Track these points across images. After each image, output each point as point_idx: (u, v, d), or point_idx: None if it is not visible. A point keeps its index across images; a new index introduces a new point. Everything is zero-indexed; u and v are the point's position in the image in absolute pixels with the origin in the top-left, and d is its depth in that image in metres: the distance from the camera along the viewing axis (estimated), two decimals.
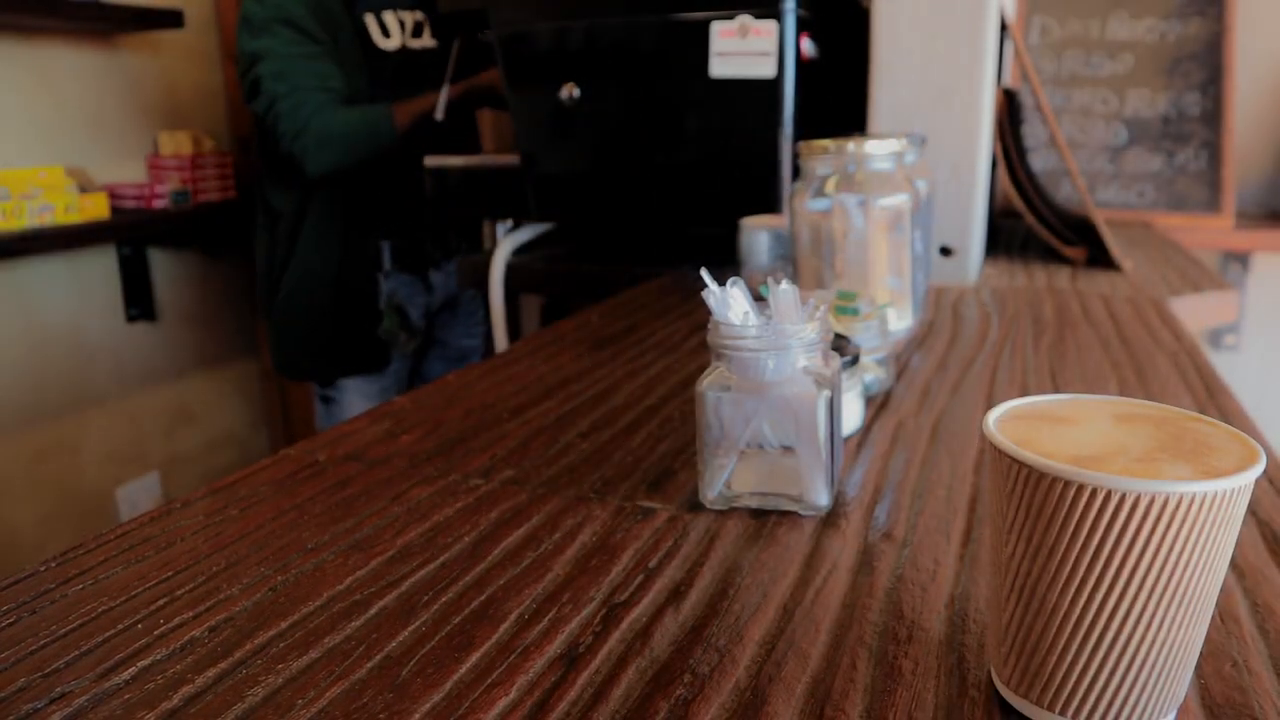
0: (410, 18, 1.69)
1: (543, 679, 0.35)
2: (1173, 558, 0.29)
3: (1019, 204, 1.24)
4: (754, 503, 0.50)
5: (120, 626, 0.40)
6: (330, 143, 1.54)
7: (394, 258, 1.72)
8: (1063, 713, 0.32)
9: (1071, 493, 0.29)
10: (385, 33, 1.66)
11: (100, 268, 2.03)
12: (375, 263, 1.71)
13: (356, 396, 1.76)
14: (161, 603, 0.42)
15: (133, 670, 0.36)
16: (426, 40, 1.71)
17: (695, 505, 0.51)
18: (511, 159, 1.38)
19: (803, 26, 1.17)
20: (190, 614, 0.41)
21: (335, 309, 1.70)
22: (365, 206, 1.68)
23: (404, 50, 1.69)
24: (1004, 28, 1.21)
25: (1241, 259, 1.88)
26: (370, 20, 1.64)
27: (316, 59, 1.57)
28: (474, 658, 0.37)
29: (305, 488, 0.54)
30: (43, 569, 0.45)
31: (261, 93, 1.55)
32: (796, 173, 0.84)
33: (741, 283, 0.49)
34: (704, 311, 0.50)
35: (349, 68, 1.62)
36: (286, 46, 1.55)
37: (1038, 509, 0.31)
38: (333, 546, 0.47)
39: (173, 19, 2.00)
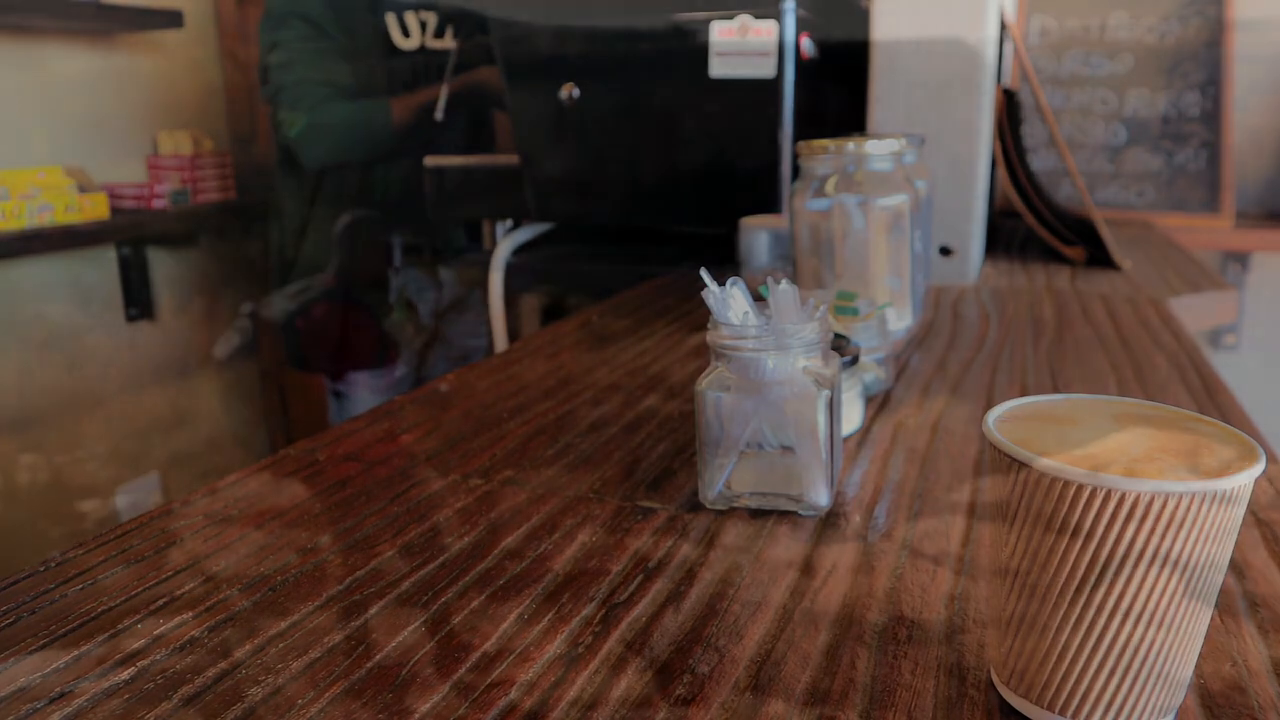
0: (432, 18, 1.70)
1: (543, 679, 0.35)
2: (1173, 558, 0.29)
3: (1019, 204, 1.24)
4: (754, 503, 0.50)
5: (120, 626, 0.40)
6: (325, 135, 1.56)
7: (404, 254, 1.73)
8: (1063, 713, 0.32)
9: (1071, 492, 0.29)
10: (405, 33, 1.67)
11: (100, 268, 2.03)
12: (386, 258, 1.72)
13: (367, 392, 1.77)
14: (161, 603, 0.42)
15: (133, 670, 0.36)
16: (448, 41, 1.72)
17: (695, 505, 0.51)
18: (511, 159, 1.38)
19: (803, 26, 1.17)
20: (190, 614, 0.41)
21: (345, 303, 1.71)
22: (372, 201, 1.69)
23: (424, 50, 1.70)
24: (1004, 28, 1.21)
25: (1241, 259, 1.88)
26: (391, 19, 1.65)
27: (327, 54, 1.59)
28: (474, 658, 0.37)
29: (305, 488, 0.54)
30: (42, 569, 0.45)
31: (269, 81, 1.58)
32: (796, 173, 0.84)
33: (741, 283, 0.49)
34: (704, 311, 0.50)
35: (367, 66, 1.63)
36: (298, 40, 1.57)
37: (1038, 509, 0.31)
38: (333, 546, 0.47)
39: (173, 19, 2.00)
